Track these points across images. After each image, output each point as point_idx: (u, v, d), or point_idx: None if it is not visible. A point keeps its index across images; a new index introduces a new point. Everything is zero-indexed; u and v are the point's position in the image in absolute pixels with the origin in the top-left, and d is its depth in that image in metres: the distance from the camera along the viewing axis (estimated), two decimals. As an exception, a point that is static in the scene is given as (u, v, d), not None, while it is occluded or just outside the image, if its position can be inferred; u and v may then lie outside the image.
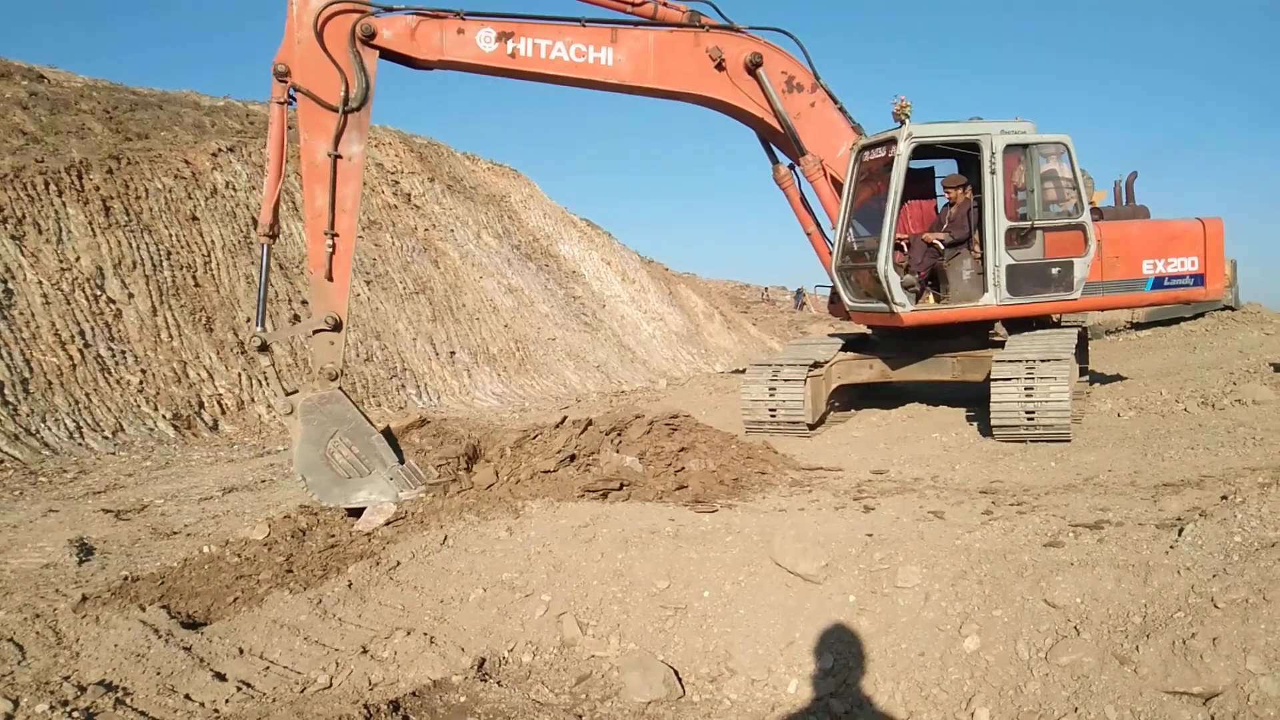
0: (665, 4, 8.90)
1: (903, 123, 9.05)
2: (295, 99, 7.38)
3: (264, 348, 7.51)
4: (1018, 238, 8.99)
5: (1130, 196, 10.16)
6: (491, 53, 8.20)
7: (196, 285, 15.12)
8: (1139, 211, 9.95)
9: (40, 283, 12.62)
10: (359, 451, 6.99)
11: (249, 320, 15.05)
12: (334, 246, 7.30)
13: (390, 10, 7.73)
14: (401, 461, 7.08)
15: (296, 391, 7.35)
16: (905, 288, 9.04)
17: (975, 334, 9.63)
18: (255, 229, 13.77)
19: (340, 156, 7.35)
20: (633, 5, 8.82)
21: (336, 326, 7.31)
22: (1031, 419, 8.15)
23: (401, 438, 7.53)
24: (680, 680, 4.43)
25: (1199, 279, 9.43)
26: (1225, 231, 9.40)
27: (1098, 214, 9.76)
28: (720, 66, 8.95)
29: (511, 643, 4.81)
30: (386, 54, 7.86)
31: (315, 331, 7.39)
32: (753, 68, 9.03)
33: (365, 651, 4.75)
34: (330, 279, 7.35)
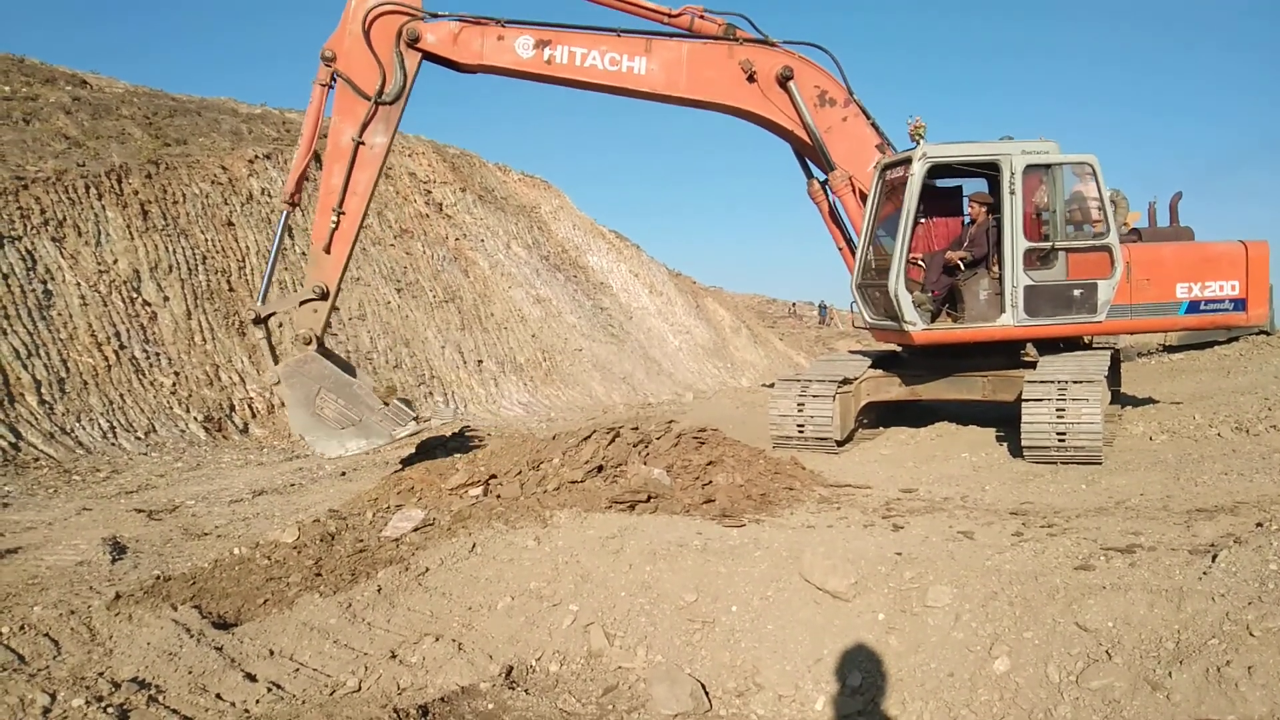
0: (702, 16, 9.00)
1: (917, 142, 9.06)
2: (335, 84, 7.84)
3: (258, 320, 7.99)
4: (1038, 258, 8.91)
5: (1174, 218, 10.00)
6: (529, 59, 8.50)
7: (230, 290, 15.31)
8: (1182, 233, 9.77)
9: (79, 284, 12.83)
10: (345, 402, 7.35)
11: (276, 313, 15.20)
12: (338, 223, 7.78)
13: (436, 16, 8.12)
14: (386, 404, 7.34)
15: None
16: (918, 306, 9.00)
17: (1006, 354, 9.56)
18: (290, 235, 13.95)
19: (363, 143, 7.84)
20: (670, 16, 8.94)
21: (323, 295, 7.77)
22: (1063, 440, 8.08)
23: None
24: (707, 694, 4.43)
25: (1240, 304, 9.18)
26: (1271, 255, 9.17)
27: (1135, 235, 9.65)
28: (752, 79, 9.03)
29: (539, 651, 4.82)
30: (430, 56, 8.26)
31: (303, 302, 7.87)
32: (784, 81, 9.08)
33: (394, 656, 4.79)
34: (328, 252, 7.84)
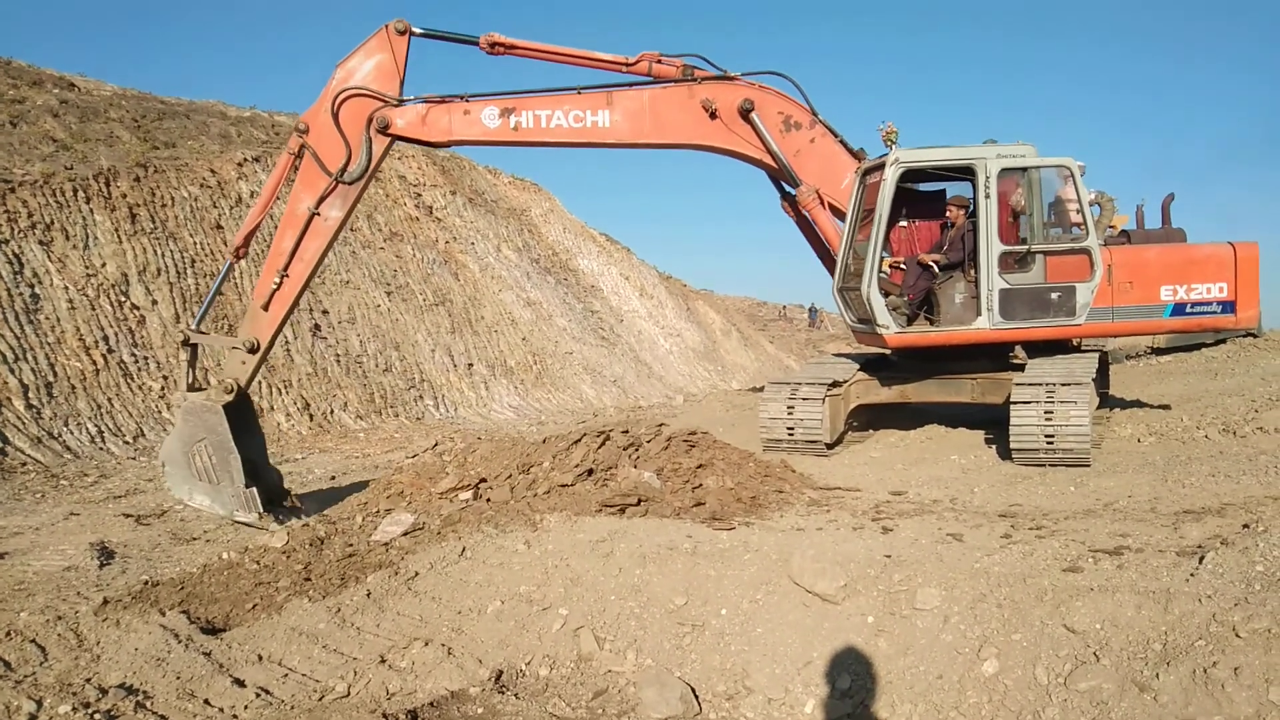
0: (659, 61, 9.16)
1: (890, 148, 9.11)
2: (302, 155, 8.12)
3: (187, 343, 8.33)
4: (1014, 261, 8.93)
5: (1166, 220, 10.01)
6: (496, 128, 8.74)
7: (219, 293, 15.25)
8: (1173, 235, 9.75)
9: (66, 288, 12.77)
10: (216, 463, 7.62)
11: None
12: (280, 285, 8.07)
13: (404, 102, 8.38)
14: (248, 486, 7.56)
15: (199, 390, 8.09)
16: (893, 309, 9.03)
17: (993, 357, 9.58)
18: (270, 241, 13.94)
19: (318, 214, 8.09)
20: (628, 65, 9.09)
21: (253, 349, 8.06)
22: (1051, 443, 8.11)
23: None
24: (697, 697, 4.43)
25: (1228, 306, 9.10)
26: (1261, 257, 9.13)
27: (1125, 238, 9.67)
28: (714, 115, 9.15)
29: (529, 655, 4.82)
30: (403, 138, 8.57)
31: (233, 348, 8.20)
32: (745, 113, 9.20)
33: (383, 661, 4.78)
34: (265, 309, 8.13)
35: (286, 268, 8.06)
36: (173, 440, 7.99)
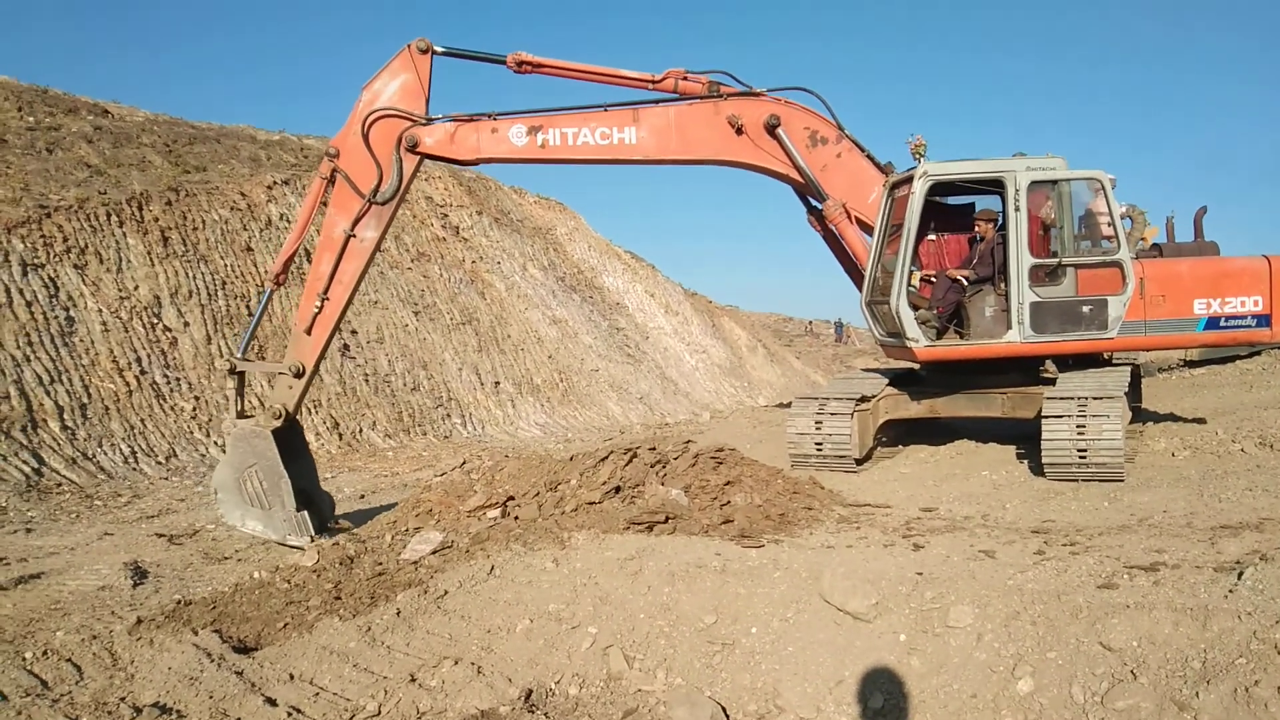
0: (685, 78, 9.17)
1: (919, 161, 9.08)
2: (335, 178, 8.24)
3: (233, 371, 8.41)
4: (1045, 274, 8.86)
5: (1199, 233, 9.89)
6: (524, 146, 8.80)
7: (250, 315, 15.43)
8: (1206, 248, 9.64)
9: (100, 311, 12.97)
10: (267, 488, 7.71)
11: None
12: (321, 308, 8.17)
13: (432, 120, 8.47)
14: (299, 509, 7.66)
15: (248, 417, 8.25)
16: (922, 323, 8.98)
17: (1023, 370, 9.49)
18: (298, 265, 14.07)
19: (354, 236, 8.19)
20: (654, 82, 9.11)
21: (298, 374, 8.15)
22: (1084, 457, 8.01)
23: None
24: (728, 716, 4.40)
25: (1264, 320, 8.96)
26: None
27: (1156, 251, 9.57)
28: (740, 131, 9.17)
29: (558, 674, 4.81)
30: (432, 156, 8.66)
31: (279, 374, 8.34)
32: (772, 128, 9.21)
33: (413, 680, 4.78)
34: (308, 334, 8.23)
35: (326, 291, 8.16)
36: (224, 467, 8.06)
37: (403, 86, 8.36)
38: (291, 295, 15.49)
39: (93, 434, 11.48)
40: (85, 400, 11.78)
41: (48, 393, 11.36)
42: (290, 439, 8.16)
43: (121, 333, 13.03)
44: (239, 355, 8.54)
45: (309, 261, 10.53)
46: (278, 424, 7.96)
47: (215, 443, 12.80)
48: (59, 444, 10.94)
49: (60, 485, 10.29)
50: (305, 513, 7.66)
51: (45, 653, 5.02)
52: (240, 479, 7.82)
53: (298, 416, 8.43)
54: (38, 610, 5.98)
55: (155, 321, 13.74)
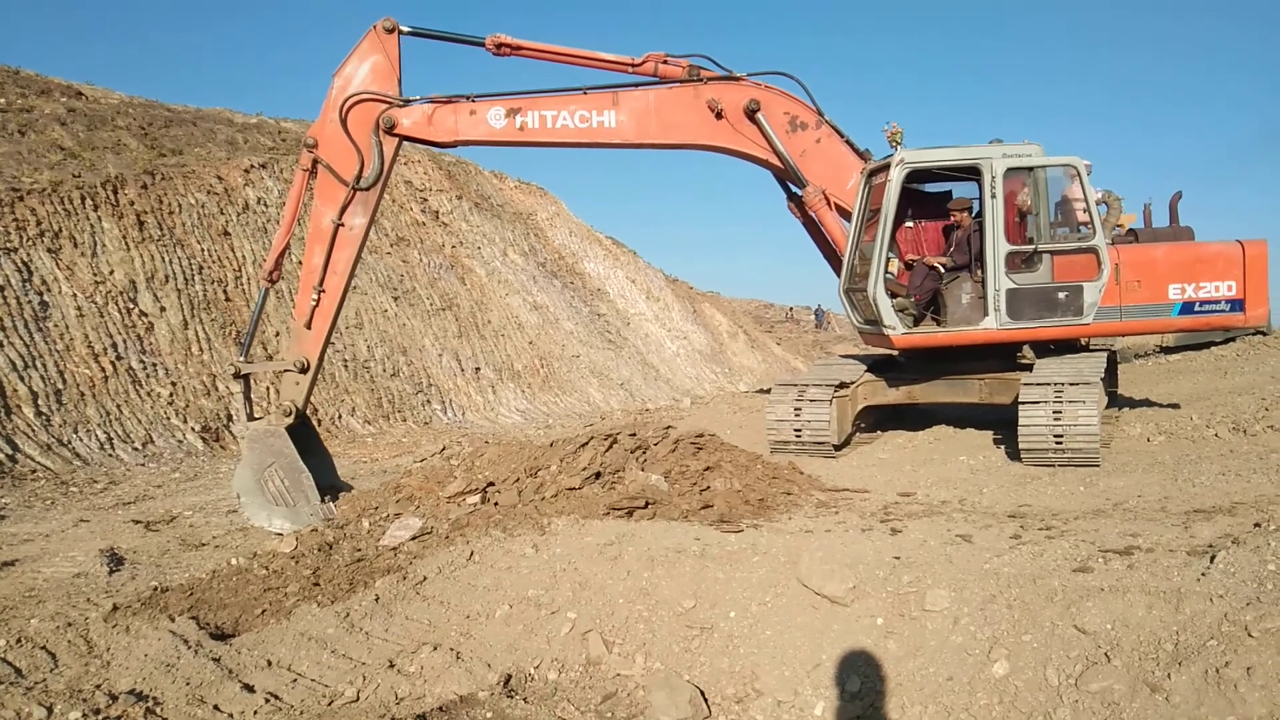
0: (665, 61, 9.16)
1: (895, 148, 9.09)
2: (316, 169, 8.21)
3: (239, 375, 8.32)
4: (1021, 261, 8.90)
5: (1174, 218, 9.96)
6: (502, 128, 8.80)
7: (227, 299, 15.31)
8: (1181, 233, 9.70)
9: (75, 295, 12.82)
10: (289, 485, 7.72)
11: (277, 334, 15.26)
12: (318, 301, 8.17)
13: (409, 102, 8.44)
14: (323, 501, 7.70)
15: (258, 419, 8.19)
16: (899, 310, 9.02)
17: (1001, 357, 9.55)
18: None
19: (342, 225, 8.19)
20: (634, 66, 9.10)
21: (304, 369, 8.17)
22: (1060, 443, 8.07)
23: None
24: (706, 700, 4.42)
25: (1238, 304, 9.05)
26: (1271, 255, 9.06)
27: (1132, 236, 9.64)
28: (720, 115, 9.16)
29: (537, 660, 4.81)
30: (409, 138, 8.62)
31: (285, 372, 8.31)
32: (751, 113, 9.21)
33: (392, 666, 4.78)
34: (309, 328, 8.22)
35: (321, 283, 8.17)
36: (243, 470, 7.97)
37: (373, 69, 8.31)
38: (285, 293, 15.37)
39: (68, 420, 11.37)
40: (60, 386, 11.66)
41: (22, 378, 11.23)
42: (305, 436, 8.20)
43: (97, 318, 12.90)
44: (242, 358, 8.46)
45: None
46: (290, 421, 8.00)
47: (192, 429, 12.71)
48: (34, 430, 10.83)
49: (35, 472, 10.19)
50: (331, 504, 7.70)
51: (19, 640, 4.97)
52: (261, 480, 7.77)
53: (306, 411, 8.41)
54: (11, 598, 5.92)
55: (131, 306, 13.60)
